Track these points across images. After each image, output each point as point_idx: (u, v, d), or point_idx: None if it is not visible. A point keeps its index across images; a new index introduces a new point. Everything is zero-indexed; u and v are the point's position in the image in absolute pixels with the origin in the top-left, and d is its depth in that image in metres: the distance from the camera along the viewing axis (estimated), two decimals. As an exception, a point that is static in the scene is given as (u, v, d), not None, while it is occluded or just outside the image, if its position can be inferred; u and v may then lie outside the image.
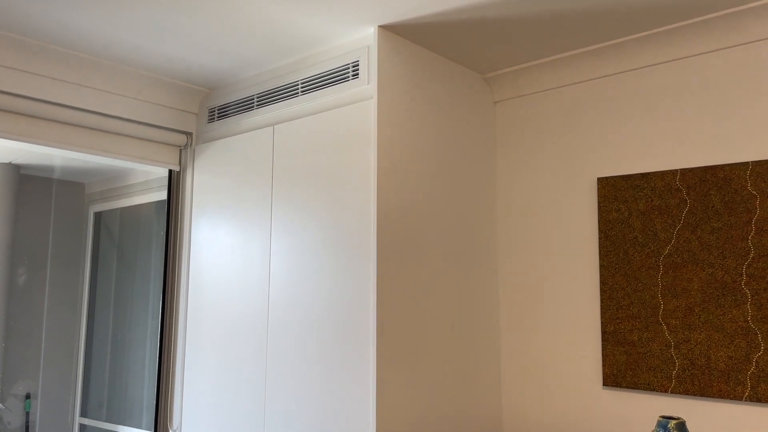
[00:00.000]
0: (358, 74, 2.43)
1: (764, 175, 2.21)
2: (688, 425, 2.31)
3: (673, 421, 2.04)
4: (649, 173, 2.46)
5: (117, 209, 4.25)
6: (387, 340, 2.27)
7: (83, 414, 4.23)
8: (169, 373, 2.99)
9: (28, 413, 4.02)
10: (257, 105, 2.80)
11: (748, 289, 2.21)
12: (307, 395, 2.42)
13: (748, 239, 2.22)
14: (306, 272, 2.49)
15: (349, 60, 2.46)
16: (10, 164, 3.97)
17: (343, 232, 2.38)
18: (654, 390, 2.37)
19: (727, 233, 2.27)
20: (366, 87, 2.39)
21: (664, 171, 2.43)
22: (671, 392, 2.33)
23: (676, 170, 2.40)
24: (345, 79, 2.47)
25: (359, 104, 2.40)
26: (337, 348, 2.34)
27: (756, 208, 2.22)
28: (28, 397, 4.02)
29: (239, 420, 2.65)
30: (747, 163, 2.25)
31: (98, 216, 4.38)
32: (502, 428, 2.77)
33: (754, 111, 2.27)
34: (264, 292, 2.64)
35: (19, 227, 3.96)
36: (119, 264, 4.15)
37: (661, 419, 2.06)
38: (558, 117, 2.75)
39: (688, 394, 2.30)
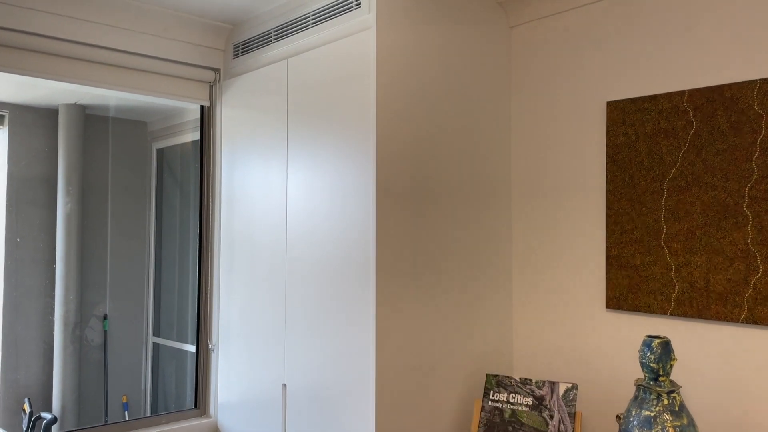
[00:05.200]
0: (360, 3, 2.47)
1: (771, 93, 2.12)
2: (685, 346, 2.32)
3: (657, 340, 2.07)
4: (657, 95, 2.40)
5: (177, 146, 4.50)
6: (389, 263, 2.38)
7: (155, 334, 4.62)
8: (207, 295, 3.25)
9: (106, 332, 4.43)
10: (275, 39, 2.90)
11: (750, 212, 2.16)
12: (319, 319, 2.59)
13: (752, 160, 2.16)
14: (317, 204, 2.62)
15: (353, -10, 2.50)
16: (75, 105, 4.26)
17: (349, 165, 2.48)
18: (654, 312, 2.38)
19: (731, 155, 2.21)
20: (367, 16, 2.43)
21: (671, 92, 2.36)
22: (670, 314, 2.34)
23: (684, 91, 2.33)
24: (349, 9, 2.52)
25: (360, 34, 2.45)
26: (346, 271, 2.48)
27: (762, 127, 2.14)
28: (105, 317, 4.41)
29: (264, 338, 2.88)
30: (755, 81, 2.15)
31: (160, 152, 4.65)
32: (513, 350, 2.87)
33: (764, 27, 2.15)
34: (282, 220, 2.80)
35: (87, 164, 4.28)
36: (180, 196, 4.43)
37: (646, 338, 2.10)
38: (571, 41, 2.69)
39: (686, 316, 2.30)
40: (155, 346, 4.61)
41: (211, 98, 3.23)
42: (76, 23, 2.74)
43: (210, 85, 3.22)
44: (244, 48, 3.08)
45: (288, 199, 2.78)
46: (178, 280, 4.41)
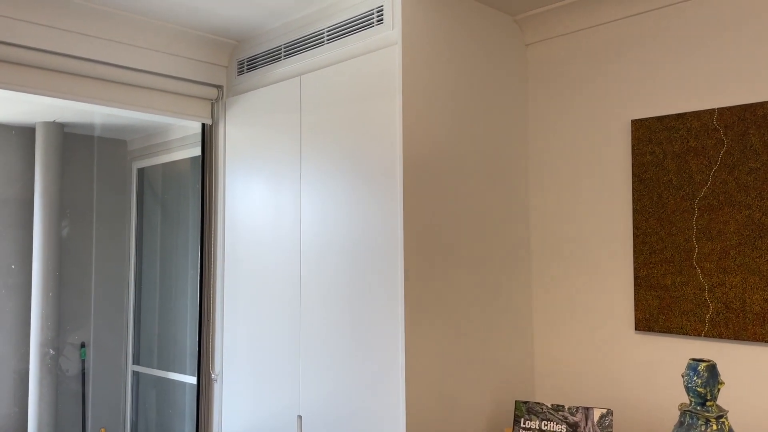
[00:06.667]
0: (382, 20, 2.39)
1: (806, 112, 2.11)
2: (722, 369, 2.29)
3: (704, 364, 2.02)
4: (684, 114, 2.38)
5: (159, 165, 4.35)
6: (414, 285, 2.29)
7: (135, 362, 4.42)
8: (209, 321, 3.09)
9: (83, 361, 4.21)
10: (284, 56, 2.80)
11: (787, 231, 2.14)
12: (338, 344, 2.47)
13: (787, 179, 2.14)
14: (336, 227, 2.52)
15: (374, 5, 2.42)
16: (54, 123, 4.08)
17: (371, 182, 2.39)
18: (687, 334, 2.34)
19: (765, 173, 2.19)
20: (391, 33, 2.36)
21: (700, 111, 2.34)
22: (704, 336, 2.30)
23: (713, 109, 2.31)
24: (370, 26, 2.44)
25: (384, 50, 2.38)
26: (367, 294, 2.38)
27: (797, 146, 2.13)
28: (83, 345, 4.20)
29: (275, 366, 2.74)
30: (788, 99, 2.15)
31: (141, 172, 4.49)
32: (534, 374, 2.80)
33: (798, 44, 2.16)
34: (296, 242, 2.69)
35: (65, 184, 4.09)
36: (163, 217, 4.27)
37: (691, 362, 2.05)
38: (591, 58, 2.66)
39: (721, 337, 2.26)
40: (135, 374, 4.41)
41: (213, 116, 3.10)
42: (73, 37, 2.60)
43: (212, 103, 3.09)
44: (250, 64, 2.97)
45: (302, 220, 2.67)
46: (160, 304, 4.24)
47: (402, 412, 2.23)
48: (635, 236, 2.49)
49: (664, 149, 2.42)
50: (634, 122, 2.50)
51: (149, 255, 4.33)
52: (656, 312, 2.42)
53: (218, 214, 3.10)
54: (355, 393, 2.40)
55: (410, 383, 2.25)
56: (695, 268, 2.33)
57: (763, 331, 2.17)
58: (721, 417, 2.00)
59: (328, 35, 2.61)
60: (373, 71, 2.42)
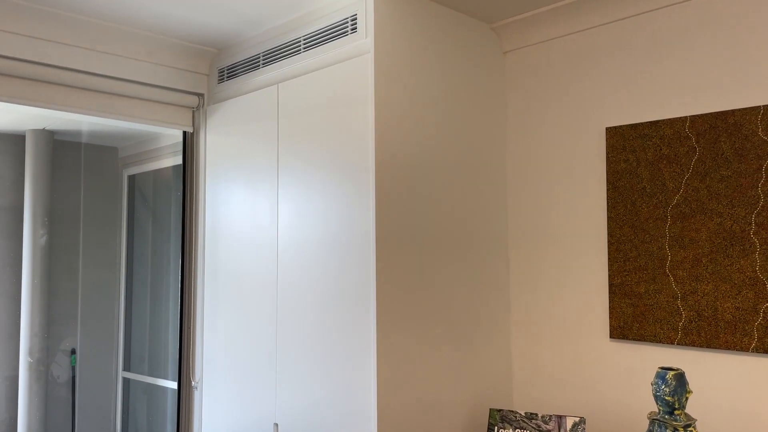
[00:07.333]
0: (356, 28, 2.40)
1: (776, 120, 2.11)
2: (694, 377, 2.28)
3: (672, 372, 2.02)
4: (658, 121, 2.38)
5: (150, 172, 4.36)
6: (387, 292, 2.29)
7: (126, 368, 4.42)
8: (190, 328, 3.10)
9: (74, 368, 4.22)
10: (263, 64, 2.81)
11: (757, 239, 2.13)
12: (313, 352, 2.47)
13: (758, 187, 2.14)
14: (311, 233, 2.52)
15: (348, 14, 2.44)
16: (44, 130, 4.09)
17: (345, 189, 2.39)
18: (660, 342, 2.33)
19: (736, 181, 2.19)
20: (364, 41, 2.37)
21: (673, 118, 2.34)
22: (677, 344, 2.29)
23: (686, 117, 2.31)
24: (344, 34, 2.45)
25: (358, 59, 2.39)
26: (341, 301, 2.38)
27: (767, 154, 2.13)
28: (73, 352, 4.21)
29: (253, 373, 2.74)
30: (759, 107, 2.15)
31: (132, 179, 4.50)
32: (512, 381, 2.79)
33: (767, 52, 2.15)
34: (273, 249, 2.69)
35: (56, 191, 4.11)
36: (153, 224, 4.28)
37: (659, 370, 2.04)
38: (567, 66, 2.67)
39: (694, 345, 2.26)
40: (126, 381, 4.41)
41: (195, 124, 3.11)
42: (53, 47, 2.61)
43: (193, 111, 3.11)
44: (230, 73, 2.98)
45: (279, 227, 2.67)
46: (151, 311, 4.24)
47: (374, 420, 2.23)
48: (610, 244, 2.48)
49: (638, 157, 2.42)
50: (609, 129, 2.51)
51: (140, 262, 4.34)
52: (630, 320, 2.42)
53: (199, 222, 3.11)
54: (329, 401, 2.40)
55: (382, 390, 2.24)
56: (668, 276, 2.33)
57: (734, 339, 2.17)
58: (689, 426, 1.99)
59: (305, 44, 2.62)
60: (347, 79, 2.42)
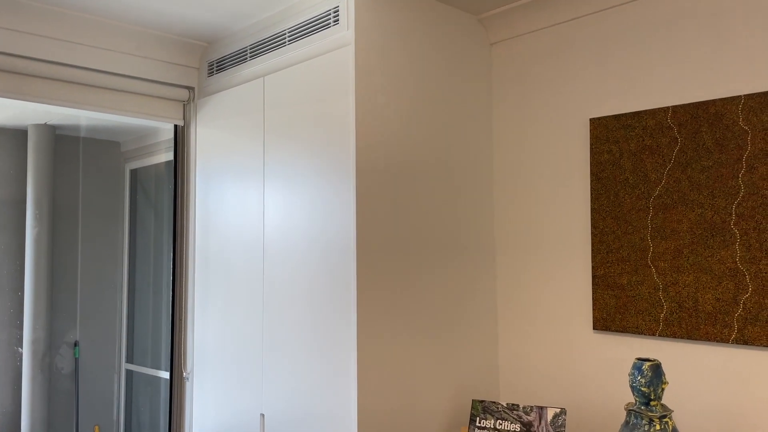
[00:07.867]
0: (338, 20, 2.41)
1: (756, 110, 2.09)
2: (675, 368, 2.27)
3: (648, 363, 2.01)
4: (640, 112, 2.37)
5: (151, 166, 4.40)
6: (368, 285, 2.30)
7: (129, 360, 4.47)
8: (182, 320, 3.13)
9: (77, 359, 4.27)
10: (250, 57, 2.83)
11: (737, 229, 2.12)
12: (298, 344, 2.49)
13: (738, 177, 2.12)
14: (295, 225, 2.54)
15: (331, 5, 2.44)
16: (45, 125, 4.14)
17: (328, 182, 2.41)
18: (642, 333, 2.33)
19: (717, 171, 2.17)
20: (346, 33, 2.37)
21: (655, 109, 2.33)
22: (659, 335, 2.28)
23: (668, 107, 2.29)
24: (327, 26, 2.46)
25: (340, 51, 2.39)
26: (324, 294, 2.39)
27: (747, 144, 2.11)
28: (76, 344, 4.26)
29: (241, 365, 2.77)
30: (739, 96, 2.13)
31: (134, 173, 4.54)
32: (498, 373, 2.79)
33: (747, 42, 2.13)
34: (259, 242, 2.71)
35: (58, 185, 4.16)
36: (155, 218, 4.32)
37: (636, 361, 2.04)
38: (552, 57, 2.66)
39: (675, 337, 2.25)
40: (129, 373, 4.47)
41: (185, 117, 3.14)
42: (43, 41, 2.65)
43: (184, 104, 3.13)
44: (219, 66, 3.01)
45: (265, 220, 2.69)
46: (152, 304, 4.29)
47: (354, 411, 2.24)
48: (593, 235, 2.48)
49: (621, 148, 2.41)
50: (593, 120, 2.49)
51: (142, 254, 4.38)
52: (613, 311, 2.41)
53: (190, 215, 3.13)
54: (313, 393, 2.42)
55: (362, 382, 2.26)
56: (650, 267, 2.32)
57: (715, 331, 2.15)
58: (664, 417, 1.99)
59: (290, 36, 2.63)
60: (330, 71, 2.43)
